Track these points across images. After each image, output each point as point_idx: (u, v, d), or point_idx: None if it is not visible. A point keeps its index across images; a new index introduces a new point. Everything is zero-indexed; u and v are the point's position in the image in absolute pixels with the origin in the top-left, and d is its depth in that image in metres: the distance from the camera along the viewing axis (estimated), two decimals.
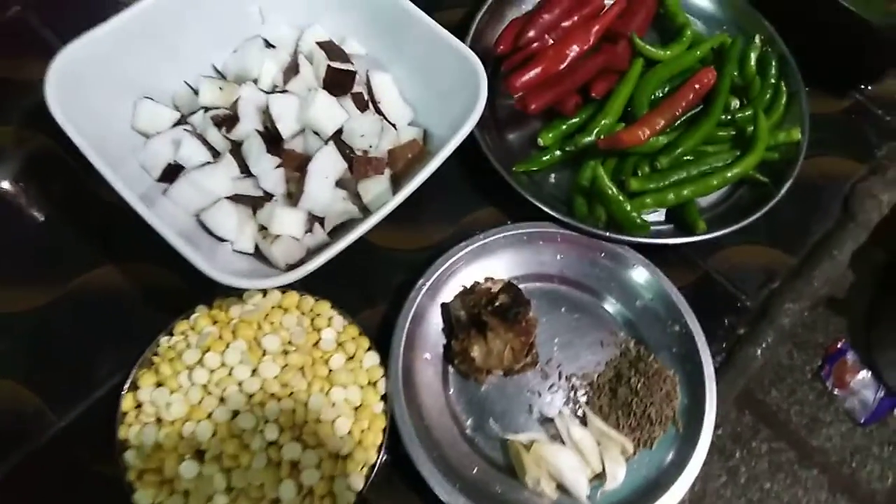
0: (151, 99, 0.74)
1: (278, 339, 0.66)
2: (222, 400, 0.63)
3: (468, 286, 0.72)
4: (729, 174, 0.79)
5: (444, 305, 0.72)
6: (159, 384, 0.65)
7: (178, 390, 0.64)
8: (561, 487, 0.65)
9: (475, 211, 0.80)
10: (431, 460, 0.64)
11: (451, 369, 0.70)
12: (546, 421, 0.69)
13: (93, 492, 0.65)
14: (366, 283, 0.75)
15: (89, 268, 0.74)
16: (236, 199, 0.69)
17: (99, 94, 0.71)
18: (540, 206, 0.75)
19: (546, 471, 0.65)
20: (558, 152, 0.82)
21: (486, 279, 0.71)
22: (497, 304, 0.67)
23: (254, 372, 0.65)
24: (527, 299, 0.69)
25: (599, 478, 0.65)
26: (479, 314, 0.67)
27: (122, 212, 0.75)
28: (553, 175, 0.83)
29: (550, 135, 0.82)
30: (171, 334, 0.68)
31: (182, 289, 0.73)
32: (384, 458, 0.64)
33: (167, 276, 0.74)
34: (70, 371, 0.70)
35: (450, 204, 0.80)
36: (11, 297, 0.72)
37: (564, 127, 0.82)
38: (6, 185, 0.78)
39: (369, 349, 0.68)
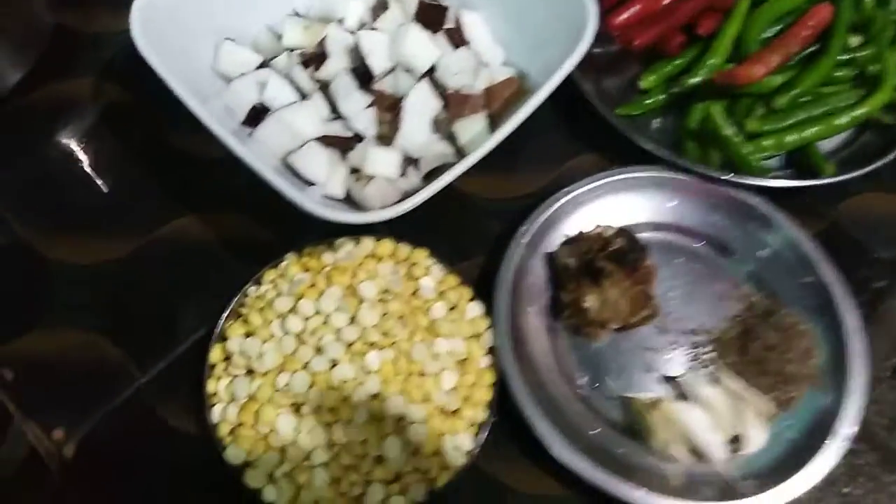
0: (233, 41, 0.70)
1: (375, 286, 0.61)
2: (319, 350, 0.58)
3: (572, 235, 0.66)
4: (855, 113, 0.72)
5: (548, 255, 0.66)
6: (249, 334, 0.60)
7: (271, 340, 0.59)
8: (693, 451, 0.58)
9: (573, 158, 0.74)
10: (548, 420, 0.58)
11: (558, 325, 0.64)
12: (667, 380, 0.63)
13: (179, 450, 0.61)
14: (460, 234, 0.70)
15: (169, 219, 0.70)
16: (326, 140, 0.65)
17: (179, 36, 0.67)
18: (651, 148, 0.68)
19: (676, 432, 0.58)
20: (662, 95, 0.75)
21: (596, 226, 0.65)
22: (612, 249, 0.61)
23: (352, 320, 0.59)
24: (643, 244, 0.62)
25: (735, 442, 0.58)
26: (593, 261, 0.61)
27: (201, 161, 0.72)
28: (656, 120, 0.76)
29: (653, 77, 0.75)
30: (259, 283, 0.63)
31: (266, 240, 0.69)
32: (493, 418, 0.59)
33: (251, 226, 0.70)
34: (152, 324, 0.65)
35: (546, 151, 0.74)
36: (92, 250, 0.68)
37: (669, 68, 0.76)
38: (83, 138, 0.75)
39: (472, 300, 0.63)
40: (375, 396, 0.57)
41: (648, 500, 0.56)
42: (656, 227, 0.68)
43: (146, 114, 0.75)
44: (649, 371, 0.63)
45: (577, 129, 0.75)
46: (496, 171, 0.71)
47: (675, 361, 0.64)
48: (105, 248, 0.68)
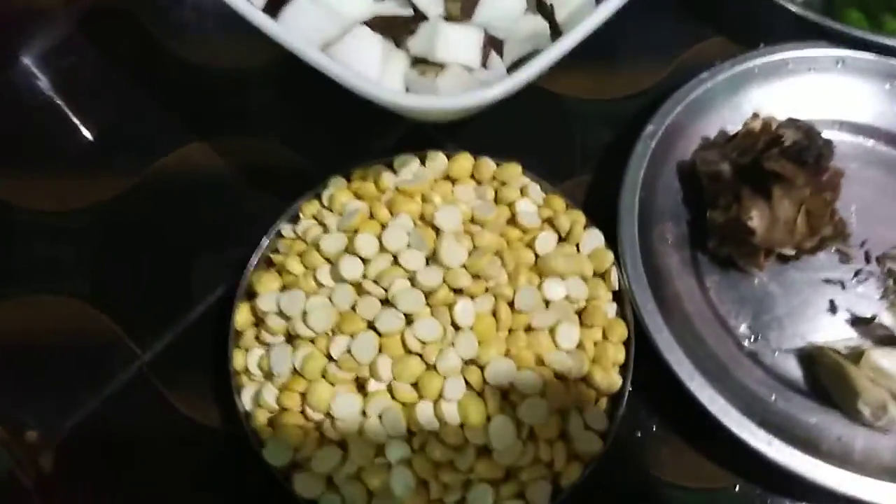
0: None
1: (457, 213, 0.44)
2: (387, 302, 0.42)
3: (715, 136, 0.49)
4: None
5: (684, 165, 0.49)
6: (287, 287, 0.44)
7: (318, 292, 0.43)
8: None
9: (696, 44, 0.56)
10: (714, 386, 0.41)
11: (703, 256, 0.47)
12: (860, 322, 0.46)
13: (198, 449, 0.44)
14: (557, 147, 0.53)
15: (171, 148, 0.53)
16: (378, 22, 0.47)
17: None
18: (811, 17, 0.51)
19: (892, 391, 0.41)
20: None
21: (754, 116, 0.48)
22: (786, 144, 0.44)
23: (430, 259, 0.43)
24: (827, 139, 0.45)
25: None
26: (759, 162, 0.44)
27: (209, 73, 0.56)
28: None
29: None
30: (297, 220, 0.47)
31: (299, 167, 0.52)
32: (629, 389, 0.42)
33: (278, 150, 0.53)
34: (155, 285, 0.49)
35: (659, 37, 0.56)
36: (72, 193, 0.52)
37: None
38: (55, 53, 0.58)
39: (587, 226, 0.46)
40: (470, 362, 0.41)
41: (858, 487, 0.39)
42: (824, 124, 0.50)
43: (134, 17, 0.58)
44: (833, 311, 0.46)
45: (697, 8, 0.58)
46: (598, 65, 0.54)
47: (867, 298, 0.46)
48: (89, 190, 0.52)
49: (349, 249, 0.43)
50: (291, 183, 0.48)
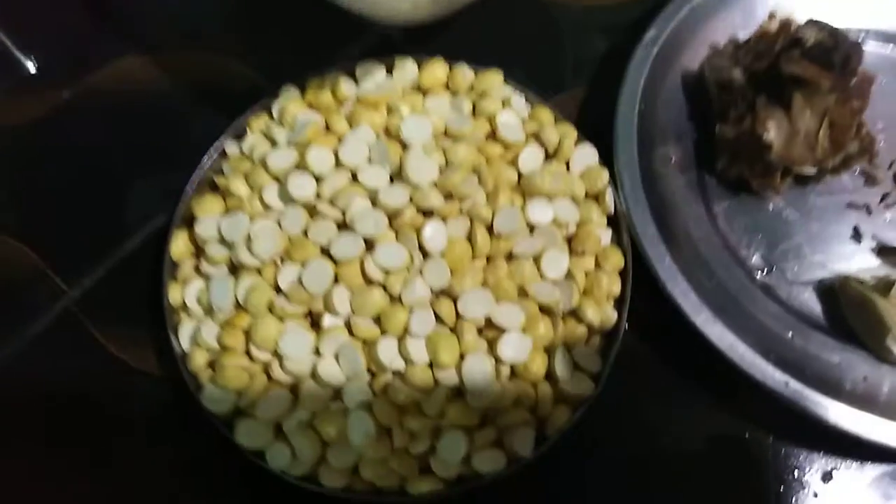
0: None
1: (427, 124, 0.38)
2: (344, 225, 0.36)
3: (725, 42, 0.43)
4: None
5: (688, 75, 0.43)
6: (230, 211, 0.38)
7: (266, 215, 0.37)
8: None
9: None
10: (723, 321, 0.36)
11: (711, 179, 0.42)
12: (887, 251, 0.40)
13: (130, 395, 0.39)
14: (545, 54, 0.46)
15: (103, 61, 0.47)
16: None
17: None
18: None
19: None
20: None
21: (771, 16, 0.41)
22: (808, 44, 0.38)
23: (395, 176, 0.37)
24: (854, 40, 0.39)
25: None
26: (775, 67, 0.38)
27: None
28: None
29: None
30: (242, 136, 0.41)
31: (248, 80, 0.46)
32: (625, 326, 0.36)
33: (223, 62, 0.46)
34: (83, 215, 0.43)
35: None
36: None
37: None
38: None
39: (579, 141, 0.40)
40: (441, 294, 0.35)
41: (885, 432, 0.34)
42: (855, 34, 0.44)
43: None
44: (858, 239, 0.40)
45: None
46: None
47: (894, 224, 0.41)
48: (10, 109, 0.45)
49: (300, 166, 0.37)
50: (241, 100, 0.42)
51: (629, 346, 0.37)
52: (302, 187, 0.36)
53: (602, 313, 0.36)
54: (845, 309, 0.38)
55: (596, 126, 0.41)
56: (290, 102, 0.40)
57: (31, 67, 0.47)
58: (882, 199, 0.41)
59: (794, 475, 0.36)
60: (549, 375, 0.35)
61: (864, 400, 0.35)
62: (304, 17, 0.46)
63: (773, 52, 0.39)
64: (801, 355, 0.37)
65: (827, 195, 0.41)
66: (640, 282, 0.37)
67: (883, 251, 0.40)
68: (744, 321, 0.37)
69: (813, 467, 0.36)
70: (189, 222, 0.39)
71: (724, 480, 0.36)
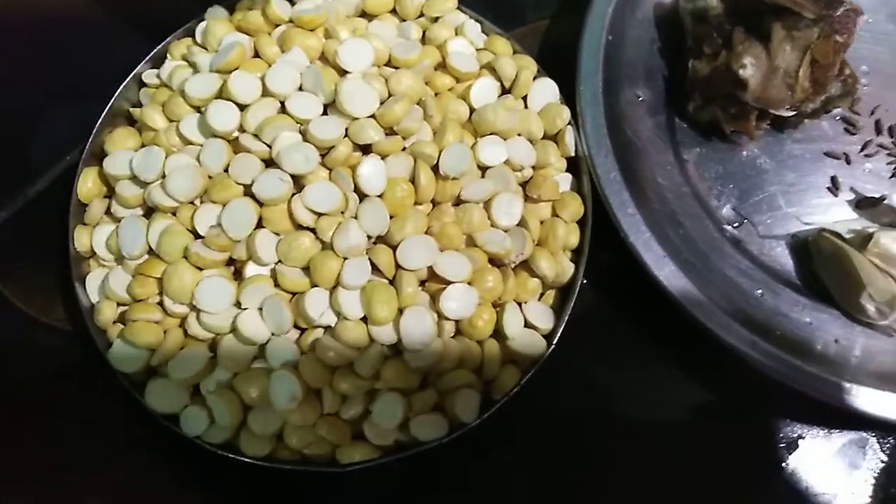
0: None
1: (369, 49, 0.34)
2: (271, 162, 0.32)
3: None
4: None
5: (661, 6, 0.39)
6: (144, 145, 0.33)
7: (184, 150, 0.33)
8: None
9: None
10: (688, 277, 0.33)
11: (682, 123, 0.38)
12: (866, 203, 0.37)
13: (34, 350, 0.35)
14: None
15: None
16: None
17: None
18: None
19: None
20: None
21: None
22: None
23: (329, 107, 0.33)
24: None
25: None
26: None
27: None
28: None
29: None
30: (161, 63, 0.36)
31: (172, 2, 0.40)
32: (583, 281, 0.33)
33: None
34: None
35: None
36: None
37: None
38: None
39: (538, 75, 0.36)
40: (378, 240, 0.31)
41: (854, 397, 0.32)
42: None
43: None
44: (835, 191, 0.38)
45: None
46: None
47: (875, 175, 0.38)
48: None
49: (223, 94, 0.33)
50: (164, 23, 0.37)
51: (586, 301, 0.34)
52: (224, 118, 0.32)
53: (557, 265, 0.33)
54: (818, 264, 0.35)
55: (558, 62, 0.37)
56: (216, 24, 0.35)
57: None
58: (862, 148, 0.38)
59: (759, 443, 0.34)
60: (497, 333, 0.31)
61: (835, 363, 0.33)
62: None
63: None
64: (771, 314, 0.34)
65: (804, 142, 0.38)
66: (601, 231, 0.34)
67: (861, 203, 0.37)
68: (711, 277, 0.34)
69: (779, 435, 0.34)
70: (100, 158, 0.34)
71: (684, 449, 0.34)
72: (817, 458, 0.33)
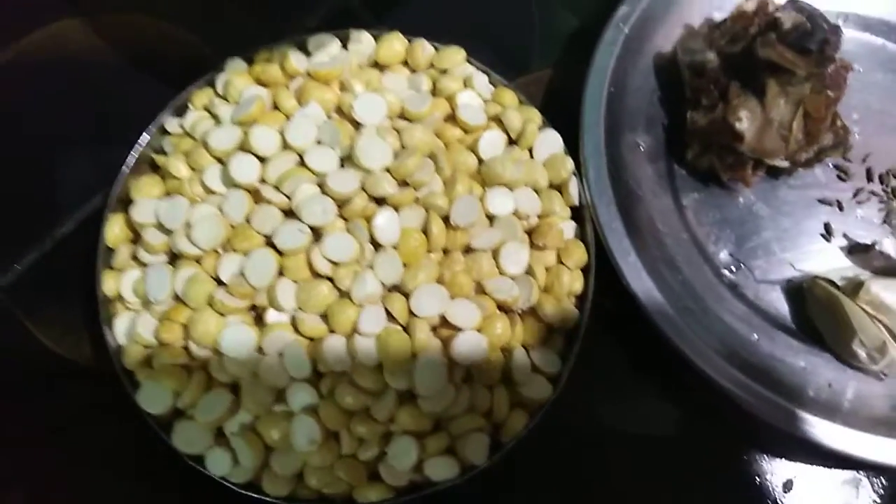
0: None
1: (383, 103, 0.35)
2: (290, 213, 0.33)
3: (700, 23, 0.41)
4: None
5: (662, 57, 0.41)
6: (170, 194, 0.35)
7: (207, 200, 0.34)
8: None
9: None
10: (686, 322, 0.34)
11: (681, 169, 0.40)
12: (858, 249, 0.39)
13: (62, 390, 0.36)
14: (510, 31, 0.44)
15: (38, 22, 0.43)
16: None
17: None
18: None
19: (893, 328, 0.35)
20: None
21: None
22: (785, 28, 0.36)
23: (345, 160, 0.34)
24: (834, 24, 0.37)
25: None
26: (750, 50, 0.36)
27: None
28: None
29: None
30: (185, 113, 0.38)
31: (194, 50, 0.42)
32: (585, 319, 0.35)
33: (169, 30, 0.43)
34: (13, 192, 0.40)
35: None
36: None
37: None
38: None
39: (543, 127, 0.38)
40: (393, 289, 0.33)
41: (846, 441, 0.33)
42: (833, 17, 0.42)
43: None
44: (828, 237, 0.39)
45: None
46: None
47: (866, 221, 0.40)
48: None
49: (244, 146, 0.34)
50: (185, 71, 0.39)
51: (590, 344, 0.35)
52: (245, 170, 0.34)
53: (563, 311, 0.34)
54: (812, 310, 0.37)
55: (562, 110, 0.39)
56: (236, 76, 0.37)
57: None
58: (854, 195, 0.40)
59: (755, 482, 0.35)
60: (506, 378, 0.33)
61: (828, 408, 0.34)
62: None
63: (749, 34, 0.37)
64: (766, 359, 0.36)
65: (799, 189, 0.40)
66: (604, 278, 0.35)
67: (853, 249, 0.39)
68: (708, 322, 0.36)
69: (774, 475, 0.35)
70: (126, 204, 0.36)
71: (684, 487, 0.35)
72: (812, 497, 0.35)
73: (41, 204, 0.39)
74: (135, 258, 0.35)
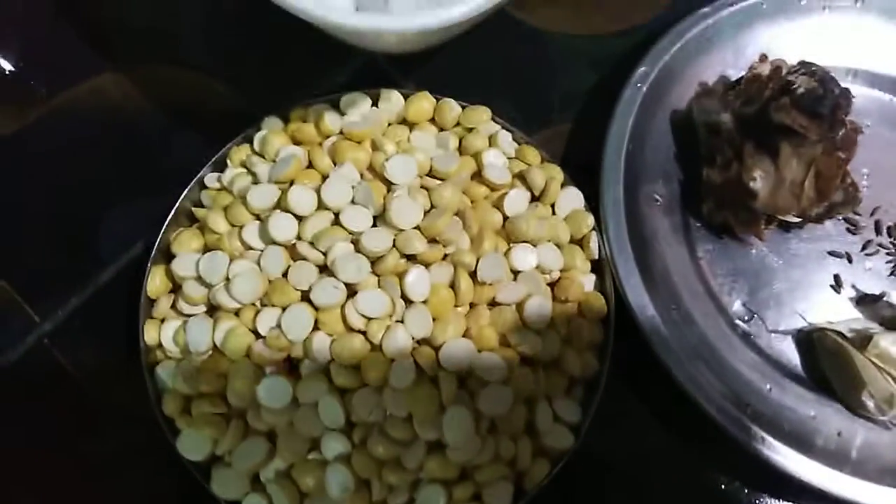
0: None
1: (413, 163, 0.37)
2: (325, 268, 0.35)
3: (715, 81, 0.43)
4: None
5: (678, 115, 0.43)
6: (209, 249, 0.37)
7: (245, 255, 0.36)
8: None
9: None
10: (706, 378, 0.36)
11: (697, 222, 0.41)
12: (866, 301, 0.40)
13: (104, 436, 0.38)
14: (532, 88, 0.45)
15: (79, 77, 0.45)
16: None
17: None
18: None
19: None
20: None
21: (762, 58, 0.41)
22: (798, 92, 0.38)
23: (378, 219, 0.36)
24: (845, 88, 0.39)
25: None
26: (764, 113, 0.38)
27: None
28: None
29: None
30: (223, 168, 0.40)
31: (231, 105, 0.44)
32: (606, 370, 0.36)
33: (205, 84, 0.45)
34: (56, 241, 0.42)
35: None
36: None
37: None
38: None
39: (565, 184, 0.40)
40: (423, 342, 0.35)
41: (856, 490, 0.35)
42: (843, 74, 0.44)
43: None
44: (838, 288, 0.41)
45: None
46: None
47: (875, 273, 0.41)
48: None
49: (281, 205, 0.36)
50: (221, 124, 0.41)
51: (610, 392, 0.37)
52: (282, 228, 0.35)
53: (584, 363, 0.36)
54: (822, 361, 0.38)
55: (582, 166, 0.41)
56: (273, 134, 0.39)
57: (3, 82, 0.45)
58: (863, 248, 0.42)
59: None
60: (529, 428, 0.35)
61: (838, 457, 0.36)
62: (290, 39, 0.45)
63: (763, 97, 0.39)
64: (778, 408, 0.37)
65: (809, 241, 0.41)
66: (622, 330, 0.37)
67: (862, 301, 0.40)
68: (723, 372, 0.37)
69: None
70: (166, 255, 0.38)
71: None
72: None
73: (85, 253, 0.41)
74: (175, 308, 0.37)
